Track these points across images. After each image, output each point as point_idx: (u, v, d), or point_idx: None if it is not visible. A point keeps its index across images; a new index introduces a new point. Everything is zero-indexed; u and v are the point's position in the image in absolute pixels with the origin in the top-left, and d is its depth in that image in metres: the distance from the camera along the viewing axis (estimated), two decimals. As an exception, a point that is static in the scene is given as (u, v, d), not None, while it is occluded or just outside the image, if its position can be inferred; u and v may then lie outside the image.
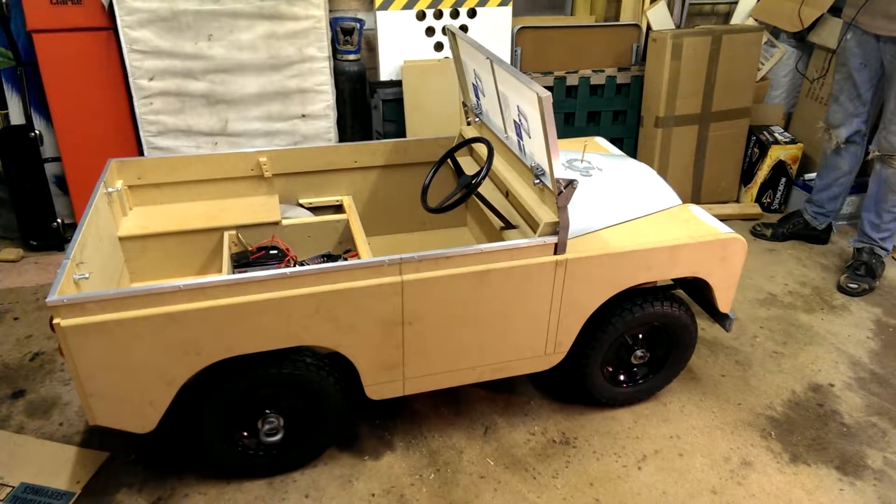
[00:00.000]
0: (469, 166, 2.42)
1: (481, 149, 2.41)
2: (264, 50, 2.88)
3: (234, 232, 2.25)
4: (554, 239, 1.83)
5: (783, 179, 3.58)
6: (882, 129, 2.79)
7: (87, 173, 2.99)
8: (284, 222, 2.30)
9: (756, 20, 3.69)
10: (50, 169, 3.02)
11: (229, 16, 2.79)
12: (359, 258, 2.08)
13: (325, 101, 3.04)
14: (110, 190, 2.16)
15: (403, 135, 3.26)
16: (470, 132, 2.48)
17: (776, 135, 3.60)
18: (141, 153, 2.98)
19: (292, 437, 1.93)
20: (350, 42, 3.13)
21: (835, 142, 3.00)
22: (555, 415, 2.23)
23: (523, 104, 1.86)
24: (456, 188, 2.07)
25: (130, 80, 2.81)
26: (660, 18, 3.58)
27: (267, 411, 1.87)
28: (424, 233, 2.71)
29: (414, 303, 1.78)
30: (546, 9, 3.54)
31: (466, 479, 1.98)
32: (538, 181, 1.92)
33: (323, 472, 1.98)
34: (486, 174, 1.96)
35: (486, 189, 2.25)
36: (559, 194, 1.73)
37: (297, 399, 1.88)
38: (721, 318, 2.18)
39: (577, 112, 3.53)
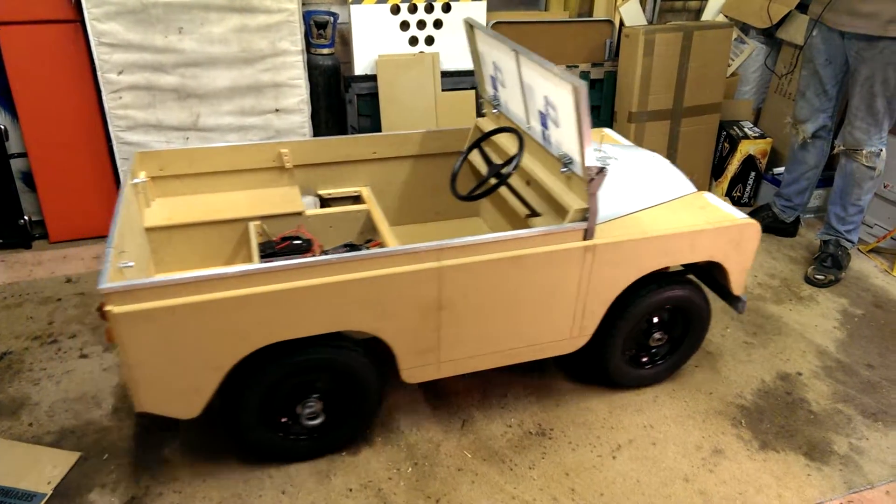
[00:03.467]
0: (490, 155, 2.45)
1: (499, 139, 2.41)
2: (236, 43, 2.84)
3: (258, 222, 2.26)
4: (584, 225, 1.89)
5: (753, 173, 3.65)
6: (846, 125, 2.85)
7: (54, 169, 2.94)
8: (307, 213, 2.33)
9: (726, 16, 3.75)
10: (16, 165, 2.96)
11: (200, 8, 2.75)
12: (380, 247, 2.08)
13: (298, 95, 3.01)
14: (136, 181, 2.16)
15: (379, 129, 3.25)
16: (486, 123, 2.51)
17: (746, 130, 3.66)
18: (110, 148, 2.93)
19: (332, 420, 1.96)
20: (324, 36, 3.11)
21: (801, 137, 3.07)
22: (531, 407, 2.25)
23: (552, 95, 1.90)
24: (485, 177, 2.12)
25: (99, 73, 2.76)
26: (632, 14, 3.61)
27: (306, 396, 1.90)
28: (439, 223, 2.76)
29: (450, 288, 1.84)
30: (520, 4, 3.55)
31: (444, 472, 1.99)
32: (566, 169, 1.96)
33: (299, 468, 1.98)
34: (517, 163, 2.01)
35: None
36: (591, 181, 1.80)
37: (335, 383, 1.92)
38: (734, 301, 2.25)
39: (551, 107, 3.55)
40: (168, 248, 2.25)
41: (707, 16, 3.90)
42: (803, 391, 2.39)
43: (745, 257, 2.16)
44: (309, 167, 2.46)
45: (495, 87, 2.41)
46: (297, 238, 2.20)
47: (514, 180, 2.28)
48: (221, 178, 2.37)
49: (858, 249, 3.30)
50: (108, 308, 1.55)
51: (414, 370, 1.96)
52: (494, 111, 2.46)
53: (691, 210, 2.15)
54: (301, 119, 3.06)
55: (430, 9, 3.27)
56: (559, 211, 2.02)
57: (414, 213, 2.71)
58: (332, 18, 3.10)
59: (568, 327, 2.06)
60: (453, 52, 3.35)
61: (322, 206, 2.50)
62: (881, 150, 2.81)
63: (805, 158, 3.13)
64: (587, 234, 1.91)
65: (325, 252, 2.21)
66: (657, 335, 2.25)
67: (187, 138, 2.93)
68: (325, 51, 3.14)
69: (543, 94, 1.97)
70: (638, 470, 2.03)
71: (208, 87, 2.88)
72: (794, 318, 2.78)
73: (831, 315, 2.82)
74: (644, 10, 3.71)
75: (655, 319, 2.24)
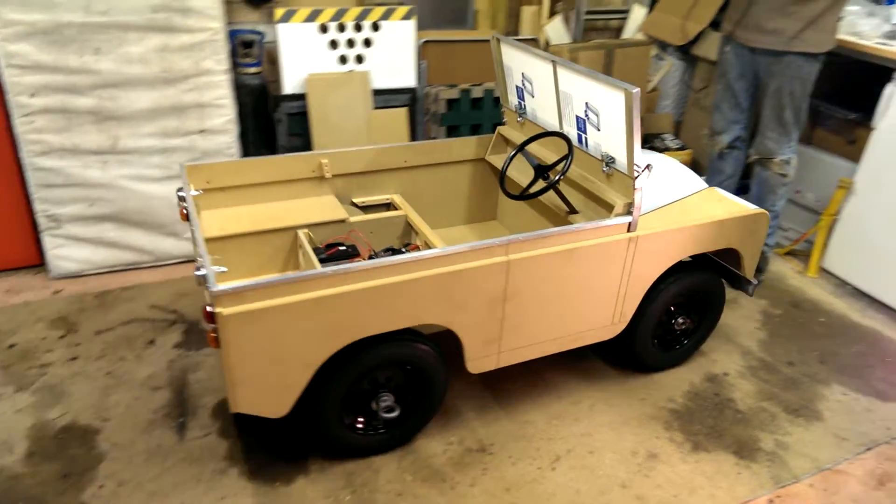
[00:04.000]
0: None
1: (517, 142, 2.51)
2: (157, 63, 2.76)
3: (305, 230, 2.34)
4: (629, 218, 2.08)
5: (676, 184, 3.79)
6: (759, 135, 3.01)
7: (-39, 197, 2.77)
8: (351, 219, 2.43)
9: (645, 34, 3.90)
10: (-82, 193, 2.78)
11: (118, 28, 2.66)
12: (418, 250, 2.17)
13: (225, 115, 2.95)
14: (193, 193, 2.21)
15: (310, 148, 3.21)
16: (509, 131, 2.72)
17: (667, 142, 3.81)
18: (22, 174, 2.78)
19: (404, 412, 2.05)
20: (250, 55, 3.06)
21: (718, 147, 3.22)
22: (471, 423, 2.25)
23: (596, 100, 2.11)
24: (534, 178, 2.31)
25: (9, 96, 2.62)
26: (557, 33, 3.72)
27: (378, 392, 2.00)
28: (462, 227, 2.94)
29: (515, 280, 1.98)
30: (449, 23, 3.59)
31: (384, 498, 1.96)
32: (607, 168, 2.16)
33: (234, 501, 1.91)
34: (569, 166, 2.19)
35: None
36: (637, 178, 2.01)
37: (405, 377, 2.03)
38: (745, 284, 2.45)
39: (484, 123, 3.60)
40: (222, 258, 2.26)
41: (627, 34, 4.05)
42: (730, 391, 2.48)
43: (758, 243, 2.41)
44: (347, 176, 2.57)
45: (521, 97, 2.61)
46: (342, 244, 2.30)
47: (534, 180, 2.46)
48: (264, 189, 2.45)
49: (776, 253, 3.47)
50: (217, 310, 1.60)
51: (479, 361, 2.09)
52: (519, 119, 2.64)
53: (710, 203, 2.35)
54: (228, 139, 2.99)
55: (359, 28, 3.27)
56: (598, 207, 2.25)
57: (439, 218, 2.85)
58: (258, 37, 3.05)
59: (610, 314, 2.24)
60: (384, 71, 3.35)
61: (363, 212, 2.60)
62: (791, 158, 2.97)
63: (722, 168, 3.27)
64: (631, 227, 2.10)
65: (372, 256, 2.31)
66: (680, 319, 2.47)
67: (106, 162, 2.82)
68: (252, 70, 3.09)
69: (585, 101, 2.17)
70: (577, 480, 2.06)
71: (128, 109, 2.78)
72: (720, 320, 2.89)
73: (753, 316, 2.95)
74: (568, 29, 3.82)
75: (675, 306, 2.45)
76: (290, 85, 3.21)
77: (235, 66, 3.05)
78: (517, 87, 2.59)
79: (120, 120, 2.79)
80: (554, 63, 2.23)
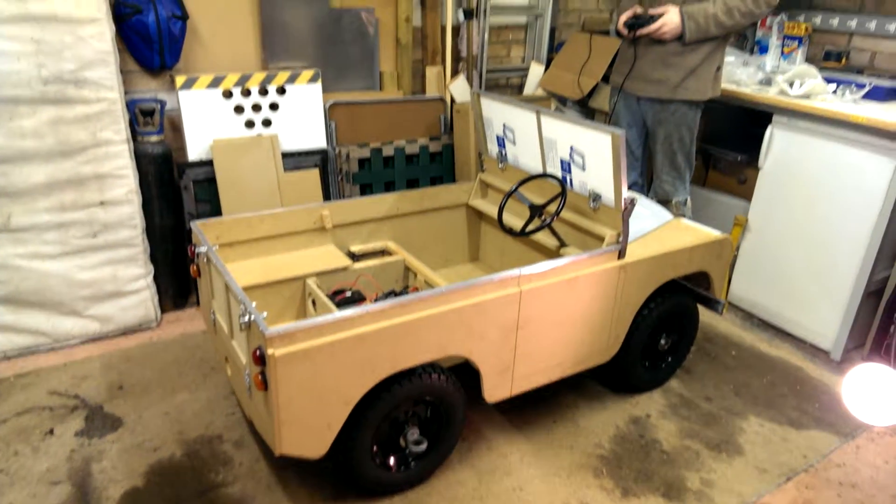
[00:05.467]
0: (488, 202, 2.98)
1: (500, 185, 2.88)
2: (52, 136, 2.64)
3: (314, 279, 2.47)
4: (618, 247, 2.28)
5: (587, 230, 3.91)
6: (655, 179, 3.17)
7: None
8: (353, 266, 2.59)
9: (544, 90, 4.07)
10: None
11: (7, 102, 2.53)
12: (417, 291, 2.30)
13: (126, 185, 2.83)
14: (214, 247, 2.30)
15: (219, 213, 3.13)
16: (490, 177, 2.96)
17: (576, 190, 3.94)
18: None
19: (430, 445, 2.14)
20: (151, 123, 2.98)
21: (621, 193, 3.36)
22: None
23: (580, 143, 2.34)
24: (530, 217, 2.53)
25: None
26: (461, 91, 3.83)
27: (404, 426, 2.09)
28: (447, 268, 3.11)
29: (527, 309, 2.13)
30: (356, 84, 3.64)
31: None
32: (594, 203, 2.39)
33: None
34: (563, 205, 2.42)
35: (524, 215, 2.63)
36: (625, 210, 2.21)
37: (429, 410, 2.14)
38: (715, 304, 2.65)
39: (397, 180, 3.62)
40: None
41: (528, 90, 4.22)
42: (654, 432, 2.52)
43: (725, 266, 2.66)
44: (345, 227, 2.74)
45: (502, 146, 2.83)
46: (347, 290, 2.46)
47: (517, 218, 2.69)
48: (266, 243, 2.58)
49: (685, 291, 3.61)
50: (269, 351, 1.69)
51: (494, 390, 2.21)
52: (501, 166, 2.88)
53: (680, 232, 2.59)
54: (131, 210, 2.87)
55: (264, 92, 3.26)
56: (586, 239, 2.47)
57: (429, 261, 3.01)
58: (159, 105, 2.98)
59: (606, 338, 2.41)
60: (292, 133, 3.34)
61: (354, 261, 2.71)
62: (686, 200, 3.14)
63: (628, 212, 3.41)
64: (620, 255, 2.29)
65: (378, 299, 2.42)
66: (663, 340, 2.66)
67: (-5, 242, 2.64)
68: (154, 138, 3.00)
69: (569, 144, 2.41)
70: (511, 537, 2.01)
71: (20, 185, 2.63)
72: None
73: (670, 355, 3.03)
74: (471, 87, 3.94)
75: (658, 327, 2.62)
76: (194, 151, 3.14)
77: (136, 135, 2.95)
78: (498, 136, 2.84)
79: (12, 196, 2.63)
80: (538, 112, 2.49)
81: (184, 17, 3.00)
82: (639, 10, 2.87)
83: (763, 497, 2.23)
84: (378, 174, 3.56)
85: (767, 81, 3.32)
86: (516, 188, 2.52)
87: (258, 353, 1.73)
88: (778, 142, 3.11)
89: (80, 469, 2.22)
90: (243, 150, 3.17)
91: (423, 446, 2.09)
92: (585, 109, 4.09)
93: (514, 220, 2.70)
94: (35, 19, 2.50)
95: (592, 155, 2.32)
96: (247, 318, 1.79)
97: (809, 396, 2.78)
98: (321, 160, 3.40)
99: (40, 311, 2.82)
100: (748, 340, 3.18)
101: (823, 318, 3.05)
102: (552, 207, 2.48)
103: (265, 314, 1.79)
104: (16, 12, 2.46)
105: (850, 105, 2.92)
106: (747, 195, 3.36)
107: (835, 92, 3.08)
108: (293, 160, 3.33)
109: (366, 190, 3.57)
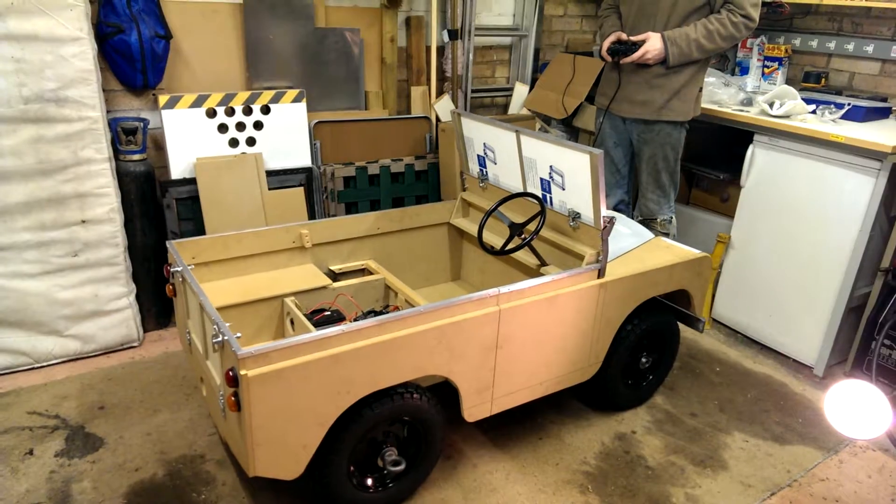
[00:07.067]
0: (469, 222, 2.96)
1: (479, 203, 2.86)
2: (32, 155, 2.62)
3: (292, 298, 2.42)
4: (598, 266, 2.29)
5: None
6: (641, 197, 3.19)
7: None
8: (333, 286, 2.55)
9: (529, 110, 4.11)
10: None
11: (-14, 119, 2.52)
12: (398, 310, 2.25)
13: (108, 204, 2.82)
14: (190, 267, 2.30)
15: (203, 232, 3.11)
16: (471, 196, 2.95)
17: (561, 208, 3.96)
18: None
19: (408, 465, 2.10)
20: (134, 142, 2.97)
21: (606, 210, 3.38)
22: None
23: (560, 163, 2.34)
24: (510, 235, 2.50)
25: None
26: (445, 110, 3.85)
27: (382, 448, 2.05)
28: (428, 288, 3.08)
29: (506, 328, 2.11)
30: (341, 104, 3.66)
31: None
32: (573, 222, 2.39)
33: None
34: (542, 224, 2.42)
35: (505, 234, 2.59)
36: (604, 229, 2.21)
37: (406, 430, 2.11)
38: (695, 322, 2.66)
39: (382, 198, 3.63)
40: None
41: (513, 110, 4.26)
42: (639, 448, 2.51)
43: (704, 284, 2.66)
44: (325, 245, 2.70)
45: (482, 165, 2.82)
46: (326, 310, 2.41)
47: (498, 237, 2.69)
48: (245, 262, 2.55)
49: (670, 308, 3.62)
50: (242, 372, 1.66)
51: (474, 408, 2.18)
52: (482, 185, 2.86)
53: (659, 250, 2.60)
54: (112, 229, 2.85)
55: (248, 111, 3.26)
56: (566, 258, 2.45)
57: (409, 280, 2.97)
58: (141, 124, 2.97)
59: (586, 356, 2.40)
60: (277, 152, 3.34)
61: (334, 280, 2.68)
62: (672, 217, 3.16)
63: (613, 230, 3.43)
64: (600, 273, 2.29)
65: (358, 318, 2.37)
66: (644, 358, 2.64)
67: (-28, 260, 2.61)
68: (136, 157, 2.99)
69: (549, 164, 2.40)
70: (495, 557, 1.99)
71: (0, 204, 2.61)
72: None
73: (655, 371, 3.03)
74: (456, 106, 3.97)
75: (639, 346, 2.62)
76: (177, 170, 3.13)
77: (118, 153, 2.94)
78: (479, 155, 2.83)
79: (-10, 215, 2.61)
80: (517, 132, 2.48)
81: (167, 36, 3.01)
82: (623, 36, 2.91)
83: (748, 513, 2.23)
84: (363, 192, 3.57)
85: (748, 102, 3.37)
86: (496, 207, 2.52)
87: (231, 373, 1.70)
88: (759, 161, 3.16)
89: (61, 490, 2.17)
90: (227, 168, 3.16)
91: (401, 467, 2.05)
92: (570, 129, 4.13)
93: (495, 238, 2.71)
94: (16, 38, 2.50)
95: (571, 174, 2.33)
96: (220, 339, 1.76)
97: (793, 412, 2.79)
98: (306, 178, 3.41)
99: (20, 331, 2.78)
100: (732, 357, 3.19)
101: (806, 334, 3.07)
102: (532, 226, 2.47)
103: (239, 335, 1.77)
104: (-3, 31, 2.47)
105: (830, 125, 2.97)
106: (730, 213, 3.40)
107: (814, 112, 3.13)
108: (278, 178, 3.33)
109: (351, 208, 3.57)
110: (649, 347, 2.67)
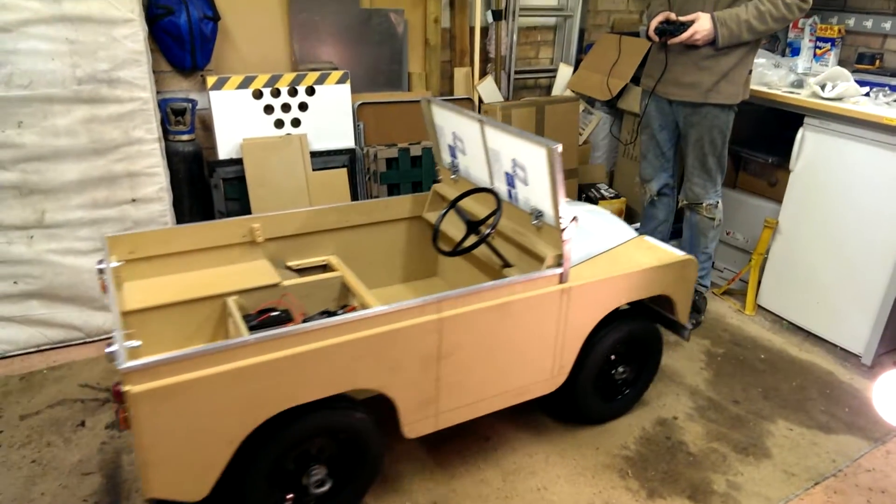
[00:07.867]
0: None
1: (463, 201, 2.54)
2: (85, 135, 2.70)
3: (235, 297, 2.24)
4: (560, 270, 2.07)
5: (613, 231, 3.89)
6: (686, 181, 3.14)
7: None
8: (284, 283, 2.34)
9: (573, 91, 4.06)
10: None
11: (42, 101, 2.60)
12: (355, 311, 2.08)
13: (157, 183, 2.89)
14: (113, 265, 2.12)
15: (249, 212, 3.17)
16: (444, 188, 2.74)
17: (602, 191, 3.93)
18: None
19: (337, 484, 1.94)
20: (182, 122, 3.03)
21: (649, 195, 3.33)
22: (425, 483, 2.18)
23: (522, 156, 2.14)
24: (466, 234, 2.34)
25: (-76, 173, 2.51)
26: (489, 92, 3.83)
27: (308, 465, 1.88)
28: (400, 285, 2.89)
29: (449, 338, 1.93)
30: (384, 85, 3.67)
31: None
32: (536, 221, 2.18)
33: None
34: (498, 220, 2.21)
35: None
36: (564, 229, 2.00)
37: (337, 447, 1.93)
38: (680, 329, 2.49)
39: (424, 180, 3.64)
40: (145, 331, 2.14)
41: (556, 91, 4.21)
42: (681, 434, 2.49)
43: (689, 289, 2.44)
44: (280, 240, 2.50)
45: (454, 156, 2.64)
46: (275, 310, 2.21)
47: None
48: (192, 257, 2.36)
49: (713, 293, 3.57)
50: (126, 388, 1.49)
51: (415, 424, 2.00)
52: (453, 177, 2.68)
53: (640, 251, 2.38)
54: (161, 207, 2.92)
55: (293, 92, 3.29)
56: (530, 260, 2.24)
57: (378, 277, 2.81)
58: (190, 105, 3.03)
59: (549, 367, 2.21)
60: (321, 133, 3.37)
61: (299, 276, 2.51)
62: (718, 202, 3.10)
63: (655, 214, 3.39)
64: (562, 278, 2.08)
65: (306, 320, 2.17)
66: (620, 368, 2.45)
67: (32, 237, 2.71)
68: (185, 137, 3.05)
69: (511, 157, 2.20)
70: (536, 536, 2.01)
71: (54, 182, 2.69)
72: (665, 362, 2.93)
73: (697, 357, 3.00)
74: (500, 88, 3.95)
75: (614, 356, 2.43)
76: (224, 150, 3.19)
77: (167, 133, 3.01)
78: (449, 145, 2.64)
79: (46, 193, 2.70)
80: (481, 122, 2.28)
81: (215, 18, 3.05)
82: (671, 16, 2.84)
83: (790, 501, 2.20)
84: (405, 174, 3.58)
85: (799, 84, 3.27)
86: (453, 204, 2.35)
87: (118, 388, 1.52)
88: (809, 144, 3.07)
89: (111, 460, 2.26)
90: (272, 149, 3.21)
91: (326, 488, 1.89)
92: (614, 111, 4.07)
93: (459, 236, 2.47)
94: (70, 20, 2.57)
95: (533, 169, 2.11)
96: (110, 349, 1.57)
97: (839, 400, 2.74)
98: (349, 160, 3.43)
99: (73, 306, 2.88)
100: (777, 344, 3.13)
101: (854, 321, 2.99)
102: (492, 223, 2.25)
103: (137, 343, 1.65)
104: (51, 13, 2.53)
105: (884, 108, 2.87)
106: (778, 197, 3.32)
107: (868, 94, 3.03)
108: (321, 159, 3.36)
109: (393, 190, 3.59)
110: (627, 357, 2.47)
